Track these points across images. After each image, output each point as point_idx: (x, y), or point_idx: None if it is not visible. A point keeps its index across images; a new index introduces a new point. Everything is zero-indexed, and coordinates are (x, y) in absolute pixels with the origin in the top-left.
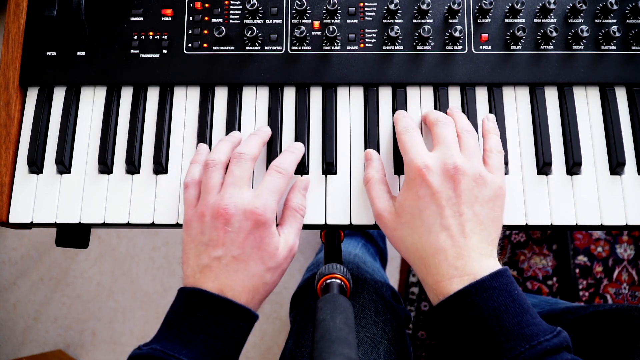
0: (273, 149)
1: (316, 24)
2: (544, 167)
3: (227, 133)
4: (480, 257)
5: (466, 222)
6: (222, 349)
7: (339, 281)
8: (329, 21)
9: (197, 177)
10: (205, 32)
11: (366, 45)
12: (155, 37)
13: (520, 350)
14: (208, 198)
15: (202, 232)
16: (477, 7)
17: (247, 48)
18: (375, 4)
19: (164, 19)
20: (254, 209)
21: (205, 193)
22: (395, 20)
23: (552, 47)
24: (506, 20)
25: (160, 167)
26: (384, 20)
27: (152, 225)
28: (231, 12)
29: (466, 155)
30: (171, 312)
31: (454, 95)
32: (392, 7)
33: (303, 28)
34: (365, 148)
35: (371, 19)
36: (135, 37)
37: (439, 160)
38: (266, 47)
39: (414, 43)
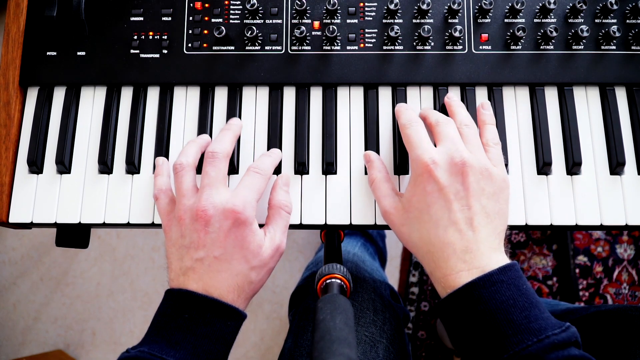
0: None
1: (316, 24)
2: (544, 167)
3: None
4: (489, 250)
5: (474, 215)
6: (210, 349)
7: (339, 281)
8: (329, 21)
9: (164, 187)
10: (205, 32)
11: (366, 45)
12: (155, 37)
13: (528, 344)
14: (184, 202)
15: (182, 235)
16: (477, 7)
17: (247, 48)
18: (375, 4)
19: (164, 19)
20: (233, 207)
21: (180, 197)
22: (395, 20)
23: (552, 47)
24: (506, 20)
25: None
26: (384, 20)
27: (152, 225)
28: (231, 12)
29: (470, 150)
30: (158, 314)
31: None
32: (392, 7)
33: (303, 28)
34: (366, 148)
35: (371, 19)
36: (135, 37)
37: (446, 155)
38: (266, 47)
39: (414, 43)
